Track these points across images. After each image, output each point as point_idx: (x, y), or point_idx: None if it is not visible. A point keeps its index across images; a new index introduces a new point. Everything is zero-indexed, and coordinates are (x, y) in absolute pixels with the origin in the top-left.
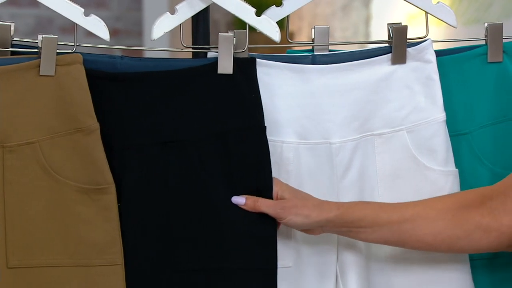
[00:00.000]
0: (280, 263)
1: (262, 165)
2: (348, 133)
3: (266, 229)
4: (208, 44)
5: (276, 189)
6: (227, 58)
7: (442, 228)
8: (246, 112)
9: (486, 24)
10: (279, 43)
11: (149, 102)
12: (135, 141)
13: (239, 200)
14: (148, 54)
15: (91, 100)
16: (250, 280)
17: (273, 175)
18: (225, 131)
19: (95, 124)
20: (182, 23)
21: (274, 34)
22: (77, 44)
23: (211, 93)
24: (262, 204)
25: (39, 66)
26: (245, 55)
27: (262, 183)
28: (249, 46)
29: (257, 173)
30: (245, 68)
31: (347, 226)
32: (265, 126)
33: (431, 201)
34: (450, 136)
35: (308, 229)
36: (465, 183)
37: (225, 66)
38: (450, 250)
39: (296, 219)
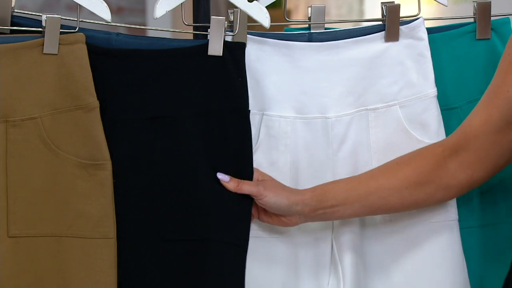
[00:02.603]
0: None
1: (244, 147)
2: (343, 108)
3: (243, 206)
4: (209, 23)
5: (256, 175)
6: (217, 40)
7: (408, 195)
8: (232, 95)
9: (475, 3)
10: (278, 22)
11: (140, 79)
12: (126, 115)
13: (224, 177)
14: (150, 32)
15: (92, 79)
16: (225, 252)
17: (272, 148)
18: (210, 111)
19: (95, 102)
20: (183, 2)
21: (264, 20)
22: (80, 20)
23: (200, 73)
24: (244, 185)
25: (43, 45)
26: (243, 34)
27: (243, 165)
28: (248, 24)
29: (238, 154)
30: (235, 51)
31: (322, 207)
32: (249, 110)
33: (392, 170)
34: (441, 110)
35: (285, 216)
36: None
37: (215, 48)
38: (418, 208)
39: (276, 198)
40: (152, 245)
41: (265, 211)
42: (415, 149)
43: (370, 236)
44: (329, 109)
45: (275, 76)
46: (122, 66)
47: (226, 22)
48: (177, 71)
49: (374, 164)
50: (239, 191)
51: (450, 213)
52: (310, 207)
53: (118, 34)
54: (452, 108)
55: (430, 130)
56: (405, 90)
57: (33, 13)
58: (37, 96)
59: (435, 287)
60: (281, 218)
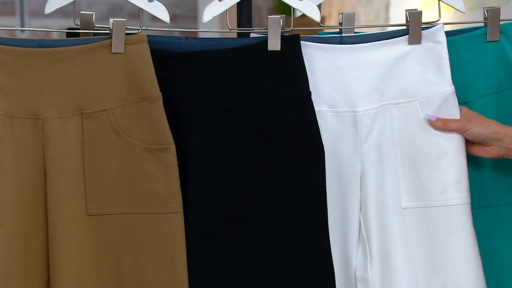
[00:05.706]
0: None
1: (310, 125)
2: (370, 103)
3: (315, 179)
4: (251, 27)
5: (464, 111)
6: (275, 37)
7: None
8: (292, 82)
9: (485, 9)
10: (313, 27)
11: (210, 76)
12: (200, 110)
13: (431, 117)
14: (201, 35)
15: (154, 73)
16: (303, 223)
17: None
18: (275, 99)
19: (158, 94)
20: (228, 9)
21: (315, 15)
22: (143, 28)
23: (262, 66)
24: (450, 122)
25: (111, 45)
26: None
27: (311, 139)
28: (286, 29)
29: (306, 132)
30: (291, 44)
31: None
32: (310, 92)
33: None
34: None
35: (489, 146)
36: None
37: (274, 44)
38: None
39: (479, 128)
40: (229, 222)
41: (472, 143)
42: (431, 140)
43: (393, 218)
44: (357, 103)
45: (310, 74)
46: (194, 66)
47: (281, 20)
48: (242, 66)
49: (397, 151)
50: (446, 129)
51: (463, 197)
52: (508, 136)
53: (187, 38)
54: (464, 102)
55: None
56: (424, 88)
57: (109, 27)
58: (107, 90)
59: (449, 261)
60: (486, 148)
